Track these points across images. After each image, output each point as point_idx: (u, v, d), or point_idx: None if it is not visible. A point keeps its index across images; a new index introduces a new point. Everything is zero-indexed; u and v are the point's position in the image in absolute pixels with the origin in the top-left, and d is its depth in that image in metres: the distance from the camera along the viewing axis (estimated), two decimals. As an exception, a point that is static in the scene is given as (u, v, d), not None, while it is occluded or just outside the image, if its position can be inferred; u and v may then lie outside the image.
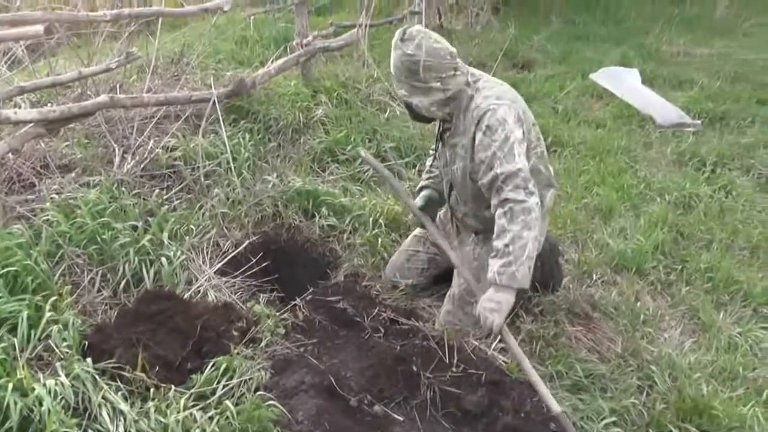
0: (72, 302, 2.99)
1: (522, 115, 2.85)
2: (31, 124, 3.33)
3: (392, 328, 3.12)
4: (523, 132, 2.79)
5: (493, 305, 2.65)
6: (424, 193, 3.37)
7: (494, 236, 2.72)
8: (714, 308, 3.45)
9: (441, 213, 3.48)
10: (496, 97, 2.83)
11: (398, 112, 5.35)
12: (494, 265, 2.68)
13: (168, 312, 2.89)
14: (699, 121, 5.94)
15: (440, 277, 3.44)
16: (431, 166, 3.44)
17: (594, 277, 3.59)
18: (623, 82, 6.86)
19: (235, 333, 2.88)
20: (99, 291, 3.16)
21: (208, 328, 2.84)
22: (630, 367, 3.00)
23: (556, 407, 2.42)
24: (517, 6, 10.30)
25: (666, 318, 3.37)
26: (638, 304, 3.41)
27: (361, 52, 5.84)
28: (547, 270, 3.30)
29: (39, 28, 3.03)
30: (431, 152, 3.46)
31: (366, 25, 5.78)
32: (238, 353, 2.75)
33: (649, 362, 3.01)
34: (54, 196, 3.58)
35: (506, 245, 2.65)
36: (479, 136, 2.78)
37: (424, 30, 2.85)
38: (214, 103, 4.37)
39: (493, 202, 2.75)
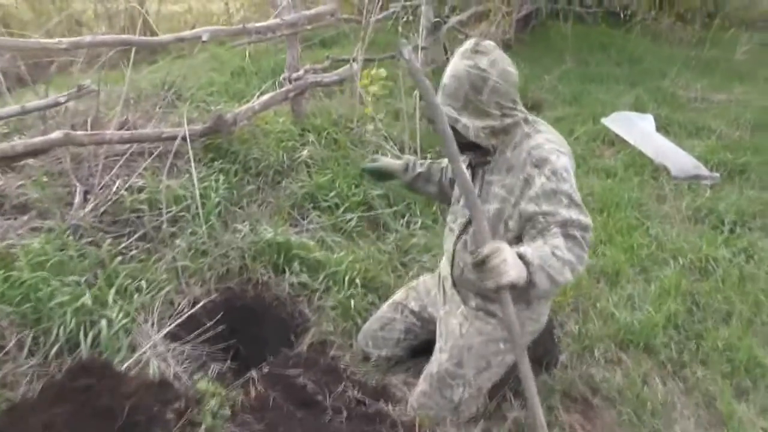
0: (-8, 372, 2.63)
1: None
2: (-35, 164, 2.98)
3: (357, 410, 2.70)
4: None
5: (513, 262, 2.08)
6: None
7: (545, 243, 2.25)
8: (734, 396, 2.99)
9: (427, 277, 3.09)
10: (559, 145, 2.46)
11: (390, 156, 4.97)
12: (536, 250, 2.19)
13: (96, 388, 2.49)
14: (717, 174, 5.48)
15: (418, 350, 3.03)
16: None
17: (596, 353, 3.14)
18: (636, 128, 6.44)
19: (171, 416, 2.47)
20: (28, 357, 2.78)
21: (139, 409, 2.42)
22: (633, 467, 2.57)
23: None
24: (529, 44, 9.94)
25: (678, 406, 2.92)
26: (645, 388, 2.97)
27: (355, 88, 5.47)
28: (540, 345, 2.89)
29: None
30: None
31: (361, 59, 5.43)
32: (169, 442, 2.35)
33: (656, 462, 2.58)
34: (-5, 244, 3.23)
35: (554, 254, 2.19)
36: (541, 180, 2.35)
37: (497, 47, 2.48)
38: (185, 140, 4.02)
39: (555, 232, 2.26)
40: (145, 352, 2.83)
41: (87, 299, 2.90)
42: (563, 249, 2.21)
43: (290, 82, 5.16)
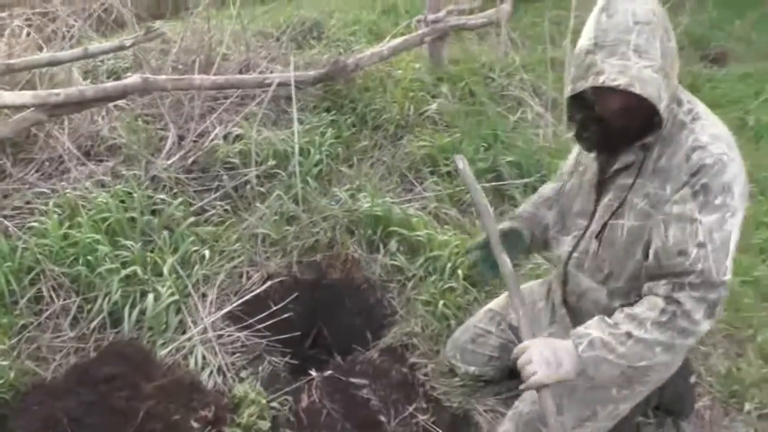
0: (26, 341, 2.38)
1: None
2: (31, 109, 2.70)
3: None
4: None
5: (551, 357, 1.79)
6: (515, 224, 2.28)
7: (634, 308, 1.78)
8: None
9: (535, 284, 2.46)
10: (727, 144, 1.73)
11: (530, 116, 4.29)
12: (596, 330, 1.79)
13: (119, 381, 2.16)
14: None
15: (516, 371, 2.44)
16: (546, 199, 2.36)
17: (747, 406, 2.40)
18: None
19: (195, 425, 2.10)
20: (71, 327, 2.50)
21: (156, 415, 2.07)
22: None
23: None
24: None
25: None
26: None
27: (500, 32, 4.79)
28: (670, 390, 2.23)
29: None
30: (560, 181, 2.29)
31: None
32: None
33: None
34: (68, 191, 2.98)
35: (629, 335, 1.74)
36: (685, 192, 1.71)
37: None
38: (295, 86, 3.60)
39: (659, 291, 1.74)
40: (191, 338, 2.46)
41: (139, 268, 2.57)
42: (648, 325, 1.72)
43: (427, 24, 4.58)
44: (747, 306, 2.83)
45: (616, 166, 1.89)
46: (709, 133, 1.73)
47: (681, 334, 1.70)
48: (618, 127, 1.79)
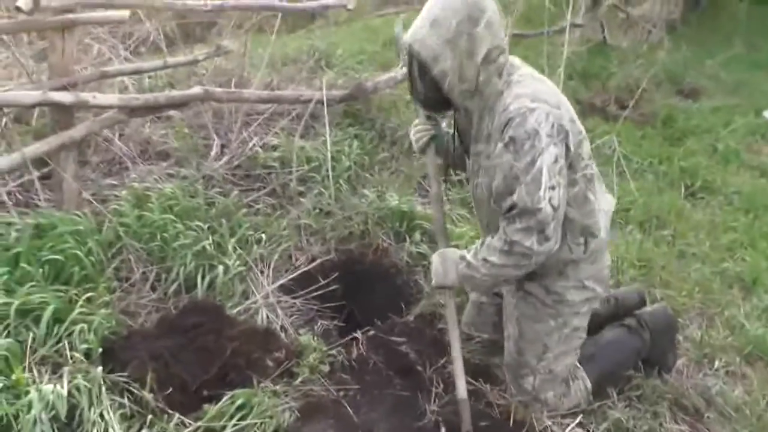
0: (117, 299, 2.80)
1: (567, 123, 2.14)
2: (114, 110, 3.16)
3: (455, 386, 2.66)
4: (567, 146, 2.14)
5: (441, 269, 2.46)
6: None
7: (490, 240, 2.28)
8: None
9: None
10: (530, 98, 2.11)
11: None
12: (470, 255, 2.35)
13: (204, 327, 2.61)
14: None
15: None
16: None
17: (716, 364, 2.93)
18: (807, 125, 5.94)
19: (270, 363, 2.54)
20: (150, 291, 2.94)
21: (240, 353, 2.52)
22: (741, 489, 2.38)
23: (462, 393, 2.38)
24: (695, 25, 9.26)
25: (805, 435, 2.67)
26: (770, 410, 2.74)
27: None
28: (657, 347, 2.73)
29: (124, 14, 2.86)
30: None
31: (509, 33, 5.28)
32: (263, 388, 2.41)
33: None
34: (135, 183, 3.43)
35: (485, 261, 2.27)
36: (499, 148, 2.14)
37: None
38: (323, 104, 4.10)
39: (501, 224, 2.21)
40: (256, 301, 2.91)
41: (208, 244, 3.02)
42: (497, 254, 2.22)
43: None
44: (716, 290, 3.37)
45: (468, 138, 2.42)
46: (514, 94, 2.15)
47: (522, 258, 2.18)
48: (426, 88, 2.23)
